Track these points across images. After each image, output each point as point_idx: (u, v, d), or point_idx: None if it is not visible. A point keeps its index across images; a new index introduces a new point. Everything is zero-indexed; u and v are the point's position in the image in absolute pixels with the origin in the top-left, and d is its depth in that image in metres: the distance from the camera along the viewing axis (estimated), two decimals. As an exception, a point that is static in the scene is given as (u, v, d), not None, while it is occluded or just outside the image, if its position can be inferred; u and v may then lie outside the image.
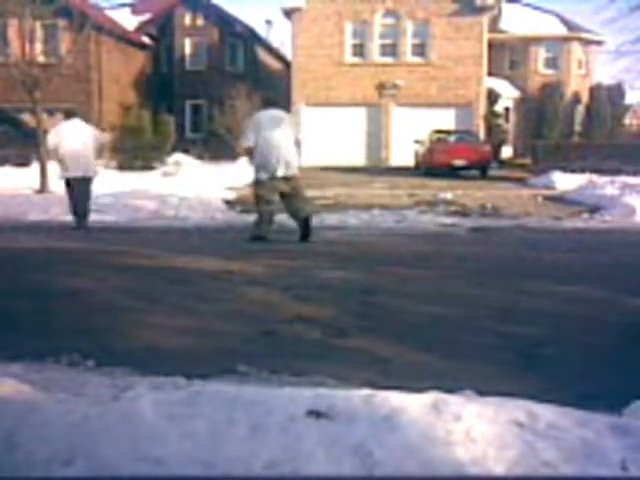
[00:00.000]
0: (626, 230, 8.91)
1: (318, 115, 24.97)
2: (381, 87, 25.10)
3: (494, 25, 26.97)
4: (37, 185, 13.64)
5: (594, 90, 28.08)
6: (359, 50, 25.30)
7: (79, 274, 5.58)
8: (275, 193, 7.35)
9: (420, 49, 25.07)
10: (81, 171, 8.63)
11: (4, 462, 2.02)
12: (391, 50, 25.22)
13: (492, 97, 25.63)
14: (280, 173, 7.23)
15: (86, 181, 8.75)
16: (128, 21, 28.44)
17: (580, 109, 28.25)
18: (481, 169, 19.07)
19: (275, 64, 32.68)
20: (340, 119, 24.95)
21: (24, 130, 19.56)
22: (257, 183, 7.38)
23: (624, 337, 3.89)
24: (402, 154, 24.07)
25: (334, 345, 3.65)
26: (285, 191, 7.34)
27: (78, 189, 8.67)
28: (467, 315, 4.28)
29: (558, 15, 29.53)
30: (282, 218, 9.48)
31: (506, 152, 25.91)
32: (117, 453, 2.02)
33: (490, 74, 25.97)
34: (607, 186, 12.72)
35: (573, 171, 16.10)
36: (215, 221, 9.60)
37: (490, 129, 24.93)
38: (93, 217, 9.42)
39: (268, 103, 7.76)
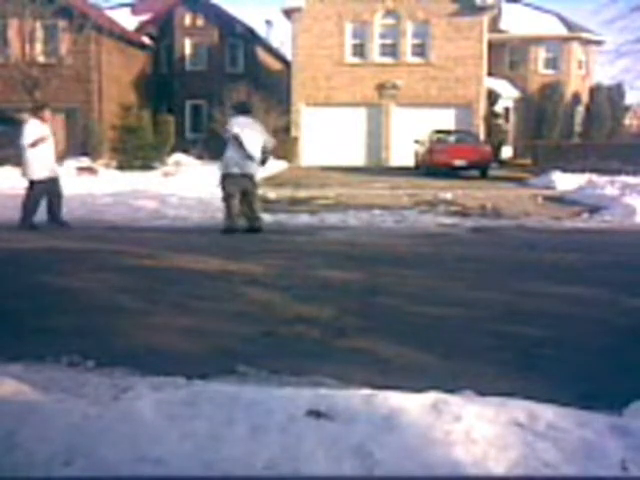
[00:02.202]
0: (626, 230, 8.90)
1: (318, 115, 24.98)
2: (381, 87, 25.10)
3: (494, 25, 26.97)
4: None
5: (594, 90, 28.09)
6: (359, 50, 25.29)
7: (79, 274, 5.58)
8: (239, 188, 8.06)
9: (420, 49, 25.07)
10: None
11: (4, 462, 2.02)
12: (391, 50, 25.21)
13: (492, 97, 25.63)
14: (248, 170, 8.05)
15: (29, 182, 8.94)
16: (128, 21, 28.42)
17: (580, 109, 28.25)
18: (481, 169, 19.06)
19: (275, 64, 32.66)
20: (340, 119, 24.95)
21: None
22: (226, 177, 8.07)
23: (624, 337, 3.89)
24: (402, 154, 24.08)
25: (334, 345, 3.65)
26: (247, 189, 8.10)
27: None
28: (467, 315, 4.28)
29: (558, 15, 29.53)
30: (282, 218, 9.52)
31: (506, 152, 25.90)
32: (117, 453, 2.02)
33: (490, 74, 25.96)
34: (607, 186, 12.71)
35: (573, 171, 16.08)
36: (215, 221, 9.57)
37: (490, 129, 24.93)
38: (94, 217, 9.42)
39: (242, 109, 8.48)
